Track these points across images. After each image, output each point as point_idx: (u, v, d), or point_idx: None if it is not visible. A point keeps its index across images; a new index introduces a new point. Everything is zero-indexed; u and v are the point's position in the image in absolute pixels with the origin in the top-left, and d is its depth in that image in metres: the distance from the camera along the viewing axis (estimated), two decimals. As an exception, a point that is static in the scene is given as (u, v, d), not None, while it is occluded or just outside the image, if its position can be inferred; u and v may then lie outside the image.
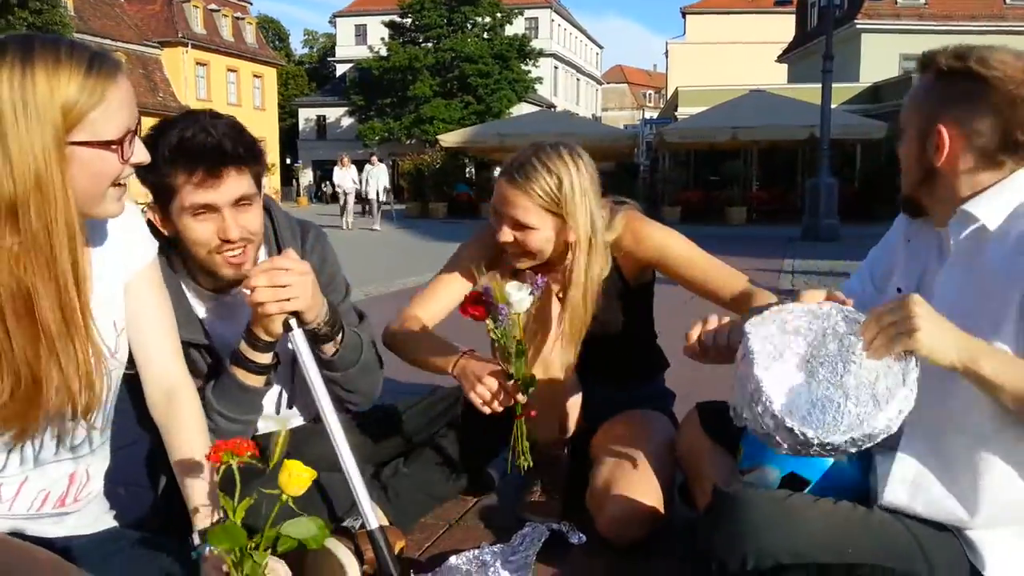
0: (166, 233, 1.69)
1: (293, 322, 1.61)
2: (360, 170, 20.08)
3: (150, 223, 1.64)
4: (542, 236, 1.92)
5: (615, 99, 76.63)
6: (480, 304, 1.77)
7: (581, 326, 2.00)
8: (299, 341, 1.62)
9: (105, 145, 1.19)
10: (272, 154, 41.10)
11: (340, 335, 1.77)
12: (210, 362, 1.81)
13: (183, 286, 1.79)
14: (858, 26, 30.76)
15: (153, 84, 39.08)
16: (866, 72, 29.09)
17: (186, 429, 1.48)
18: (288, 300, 1.57)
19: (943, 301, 1.31)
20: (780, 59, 38.77)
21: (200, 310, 1.82)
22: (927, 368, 1.24)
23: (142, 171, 1.43)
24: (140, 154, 1.26)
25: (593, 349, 2.07)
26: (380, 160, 20.76)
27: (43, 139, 1.13)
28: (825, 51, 14.14)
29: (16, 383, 1.19)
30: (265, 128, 45.79)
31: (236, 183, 1.64)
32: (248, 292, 1.57)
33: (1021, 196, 1.34)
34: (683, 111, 27.38)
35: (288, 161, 51.70)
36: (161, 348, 1.50)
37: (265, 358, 1.69)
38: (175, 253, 1.76)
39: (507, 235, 1.94)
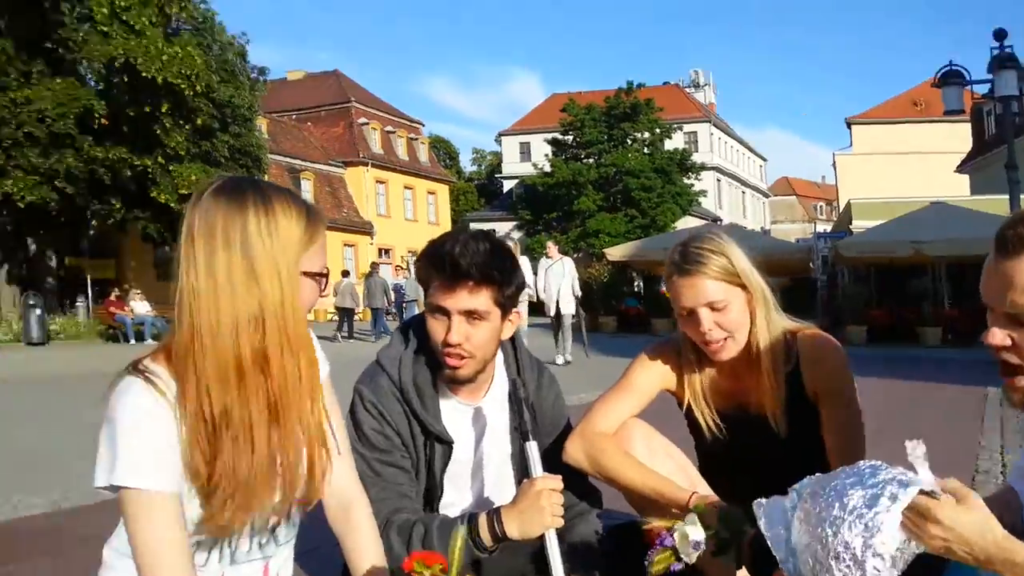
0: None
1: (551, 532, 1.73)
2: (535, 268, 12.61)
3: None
4: (736, 308, 1.96)
5: (784, 212, 75.17)
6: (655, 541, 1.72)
7: (774, 394, 1.99)
8: (552, 543, 1.73)
9: (315, 276, 1.37)
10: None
11: None
12: (441, 461, 1.95)
13: (437, 375, 1.97)
14: (1048, 132, 28.96)
15: (338, 200, 42.16)
16: (1063, 181, 27.13)
17: (364, 540, 1.57)
18: (559, 516, 1.72)
19: None
20: (959, 169, 36.97)
21: (445, 406, 1.98)
22: None
23: (417, 265, 1.87)
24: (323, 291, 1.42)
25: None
26: (562, 251, 14.22)
27: (287, 261, 1.31)
28: (1008, 160, 13.35)
29: (252, 472, 1.31)
30: (435, 241, 47.84)
31: (469, 297, 1.84)
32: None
33: None
34: (858, 224, 26.42)
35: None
36: (340, 461, 1.56)
37: (493, 546, 1.77)
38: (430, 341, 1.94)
39: (709, 322, 1.94)
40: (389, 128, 46.92)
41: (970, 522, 1.22)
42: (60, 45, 21.57)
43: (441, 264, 1.84)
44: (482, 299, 1.84)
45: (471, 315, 1.84)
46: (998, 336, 1.32)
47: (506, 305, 1.90)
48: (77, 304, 22.96)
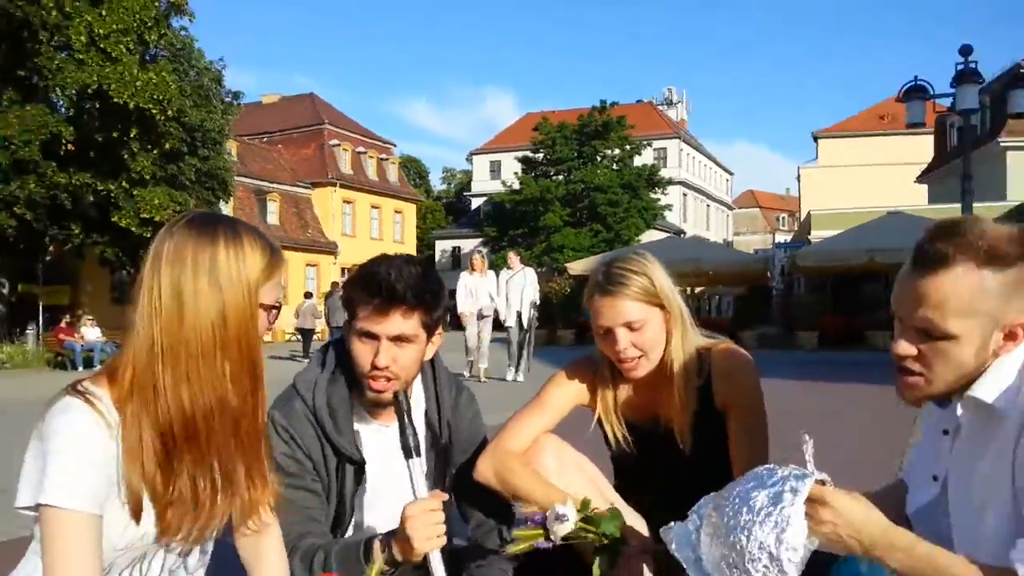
0: (348, 344, 1.93)
1: (435, 554, 1.75)
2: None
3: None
4: (653, 328, 2.02)
5: (747, 224, 76.14)
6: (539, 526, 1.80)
7: (683, 409, 2.05)
8: (435, 564, 1.75)
9: (268, 308, 1.44)
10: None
11: None
12: (352, 484, 1.98)
13: (352, 397, 2.00)
14: (1002, 144, 29.64)
15: (304, 221, 42.07)
16: (1014, 190, 27.79)
17: (270, 567, 1.61)
18: (437, 538, 1.73)
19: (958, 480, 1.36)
20: (919, 180, 37.66)
21: (361, 429, 2.01)
22: None
23: (345, 288, 1.91)
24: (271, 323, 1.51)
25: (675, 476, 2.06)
26: (524, 261, 13.75)
27: (247, 288, 1.39)
28: (963, 170, 13.75)
29: (215, 487, 1.39)
30: (404, 259, 47.86)
31: (401, 321, 1.85)
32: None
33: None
34: (816, 234, 26.87)
35: (424, 290, 53.45)
36: None
37: (389, 570, 1.81)
38: (350, 363, 1.96)
39: (625, 342, 2.00)
40: (360, 149, 46.99)
41: (856, 509, 1.28)
42: (34, 73, 21.46)
43: (376, 288, 1.84)
44: (412, 323, 1.86)
45: (399, 339, 1.86)
46: (903, 347, 1.37)
47: (432, 327, 1.93)
48: (27, 331, 22.49)
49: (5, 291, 24.23)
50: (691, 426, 2.06)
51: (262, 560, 1.60)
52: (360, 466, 1.98)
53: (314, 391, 1.98)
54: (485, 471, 2.03)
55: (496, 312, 11.90)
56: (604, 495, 2.01)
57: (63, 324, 20.69)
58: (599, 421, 2.17)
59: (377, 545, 1.80)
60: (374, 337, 1.86)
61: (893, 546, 1.27)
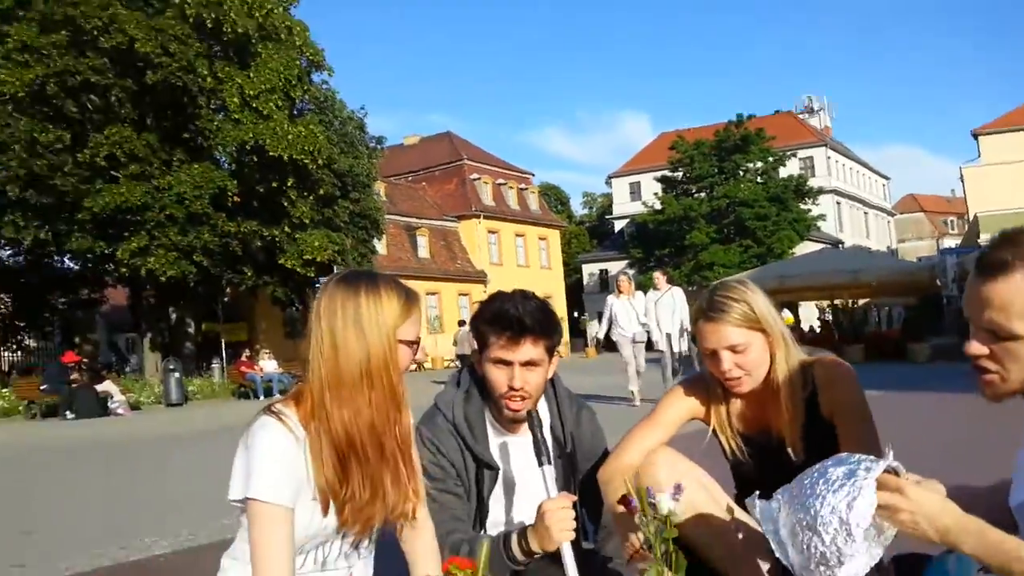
0: (479, 372, 2.26)
1: (566, 545, 1.95)
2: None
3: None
4: (756, 349, 2.16)
5: (911, 229, 71.76)
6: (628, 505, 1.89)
7: (793, 421, 2.18)
8: (567, 554, 1.94)
9: (408, 343, 1.72)
10: (559, 309, 43.27)
11: None
12: (488, 487, 2.26)
13: (486, 412, 2.29)
14: None
15: (453, 253, 43.50)
16: None
17: (423, 555, 1.89)
18: (570, 531, 1.95)
19: None
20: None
21: (494, 440, 2.29)
22: None
23: (473, 324, 2.24)
24: (417, 355, 1.78)
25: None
26: (671, 281, 12.80)
27: (387, 331, 1.68)
28: None
29: (373, 491, 1.68)
30: (552, 285, 48.39)
31: (531, 349, 2.16)
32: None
33: None
34: (987, 238, 25.04)
35: (575, 314, 54.01)
36: None
37: (525, 560, 2.05)
38: (484, 387, 2.28)
39: (729, 362, 2.14)
40: (500, 181, 48.22)
41: (931, 498, 1.39)
42: (197, 134, 23.64)
43: (507, 323, 2.16)
44: (539, 349, 2.17)
45: (529, 363, 2.16)
46: (975, 347, 1.47)
47: (552, 350, 2.24)
48: (212, 366, 24.59)
49: (191, 331, 26.62)
50: (801, 436, 2.19)
51: (417, 551, 1.88)
52: (495, 471, 2.27)
53: (453, 408, 2.30)
54: (599, 480, 2.24)
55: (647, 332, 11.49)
56: (718, 502, 2.12)
57: (243, 358, 22.56)
58: (714, 433, 2.33)
59: (515, 538, 2.04)
60: (508, 363, 2.17)
61: (966, 531, 1.36)
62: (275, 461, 1.58)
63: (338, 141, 25.96)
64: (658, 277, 12.16)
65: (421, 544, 1.89)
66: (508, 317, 2.16)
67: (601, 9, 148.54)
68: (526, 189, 50.55)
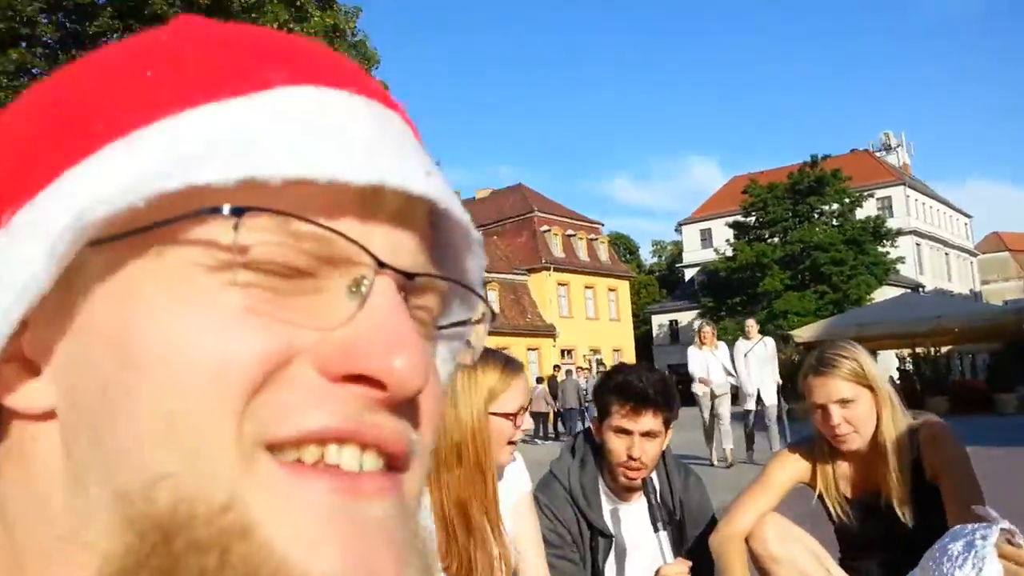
0: (596, 439, 2.40)
1: None
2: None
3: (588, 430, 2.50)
4: (864, 406, 2.27)
5: (996, 270, 68.83)
6: None
7: (901, 486, 2.24)
8: None
9: (508, 415, 1.83)
10: (629, 362, 43.03)
11: None
12: (603, 553, 2.36)
13: (599, 480, 2.41)
14: None
15: (522, 307, 43.53)
16: None
17: None
18: None
19: None
20: None
21: (606, 507, 2.41)
22: None
23: (598, 393, 2.38)
24: (527, 423, 1.91)
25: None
26: (760, 331, 11.61)
27: (479, 407, 1.78)
28: None
29: (460, 565, 1.75)
30: (621, 338, 48.02)
31: (652, 420, 2.29)
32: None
33: None
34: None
35: (645, 367, 53.15)
36: (535, 556, 2.05)
37: None
38: (599, 455, 2.41)
39: (838, 417, 2.25)
40: (570, 232, 48.36)
41: None
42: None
43: (631, 394, 2.29)
44: (659, 420, 2.30)
45: (649, 434, 2.29)
46: None
47: (669, 422, 2.37)
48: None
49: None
50: (908, 499, 2.25)
51: None
52: (609, 539, 2.38)
53: (569, 476, 2.42)
54: (712, 547, 2.35)
55: (732, 388, 10.50)
56: (825, 567, 2.24)
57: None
58: (819, 497, 2.41)
59: None
60: (628, 433, 2.29)
61: None
62: None
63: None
64: (751, 325, 10.98)
65: None
66: (633, 388, 2.29)
67: (665, 52, 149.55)
68: (596, 239, 50.54)
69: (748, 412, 10.46)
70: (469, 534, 1.77)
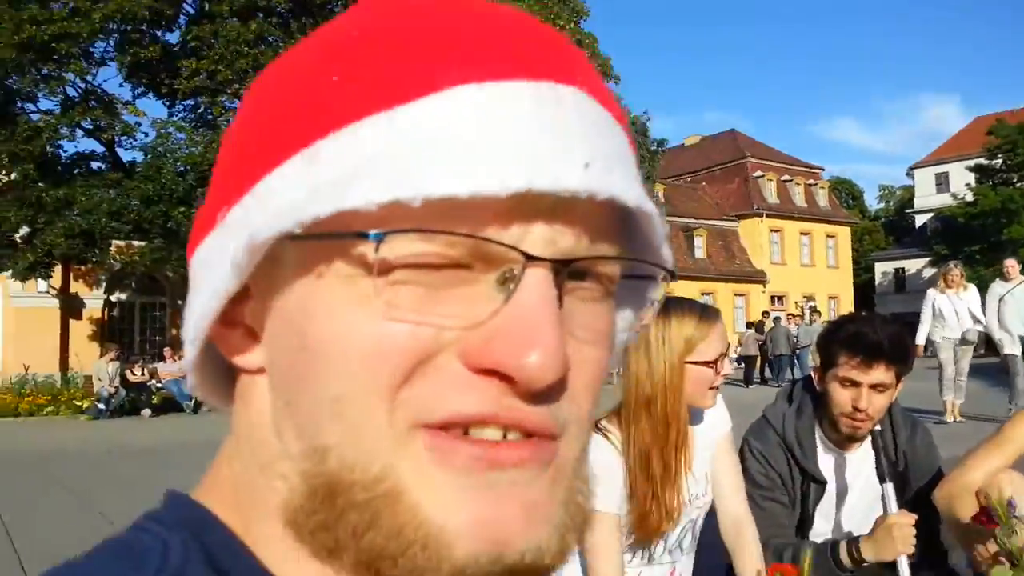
0: (817, 388, 2.35)
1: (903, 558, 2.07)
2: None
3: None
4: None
5: None
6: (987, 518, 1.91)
7: None
8: (903, 566, 2.06)
9: (707, 363, 1.88)
10: (846, 310, 40.63)
11: None
12: (814, 499, 2.35)
13: (816, 429, 2.39)
14: None
15: (731, 253, 42.40)
16: None
17: (748, 554, 2.08)
18: (911, 545, 2.05)
19: None
20: None
21: (822, 455, 2.39)
22: None
23: (824, 341, 2.32)
24: (728, 368, 1.97)
25: None
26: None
27: (671, 359, 1.85)
28: None
29: (641, 511, 1.90)
30: (839, 285, 45.54)
31: (881, 373, 2.21)
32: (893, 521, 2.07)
33: None
34: None
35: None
36: (732, 492, 2.13)
37: (851, 567, 2.13)
38: (820, 404, 2.37)
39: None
40: (785, 177, 46.40)
41: None
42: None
43: (864, 346, 2.21)
44: (891, 374, 2.23)
45: (878, 386, 2.22)
46: None
47: (901, 377, 2.28)
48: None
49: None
50: None
51: (743, 548, 2.08)
52: (822, 485, 2.36)
53: (783, 423, 2.40)
54: (940, 501, 2.20)
55: (981, 336, 9.52)
56: None
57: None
58: None
59: (843, 546, 2.13)
60: (856, 384, 2.22)
61: None
62: (604, 476, 1.76)
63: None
64: (1011, 265, 9.58)
65: (745, 541, 2.08)
66: (866, 340, 2.21)
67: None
68: (815, 185, 47.91)
69: (1008, 356, 9.26)
70: (649, 481, 1.86)
